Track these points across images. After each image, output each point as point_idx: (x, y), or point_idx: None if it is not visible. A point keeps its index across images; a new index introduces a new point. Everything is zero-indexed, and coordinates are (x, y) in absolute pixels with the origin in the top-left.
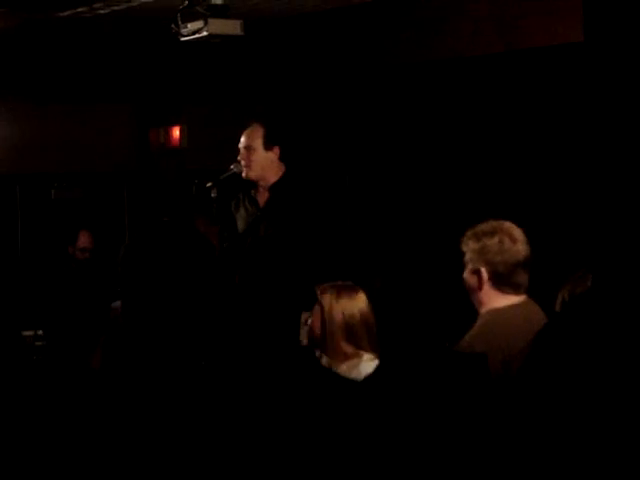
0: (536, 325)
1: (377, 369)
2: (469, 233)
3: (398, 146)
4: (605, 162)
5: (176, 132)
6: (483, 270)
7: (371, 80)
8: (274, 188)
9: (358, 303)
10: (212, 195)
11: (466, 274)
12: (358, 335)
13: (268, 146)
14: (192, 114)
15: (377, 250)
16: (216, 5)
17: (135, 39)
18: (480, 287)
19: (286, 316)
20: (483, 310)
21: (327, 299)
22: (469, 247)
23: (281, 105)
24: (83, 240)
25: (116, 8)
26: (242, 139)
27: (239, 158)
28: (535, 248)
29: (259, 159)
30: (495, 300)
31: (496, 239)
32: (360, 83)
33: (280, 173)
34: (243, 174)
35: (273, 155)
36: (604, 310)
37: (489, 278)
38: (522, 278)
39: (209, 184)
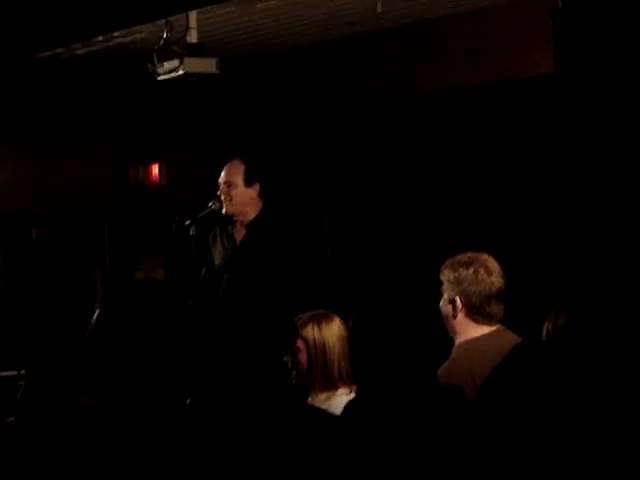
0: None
1: (353, 402)
2: (447, 263)
3: (376, 181)
4: (576, 190)
5: (155, 169)
6: (457, 299)
7: (347, 115)
8: (252, 225)
9: (339, 331)
10: (190, 233)
11: (442, 303)
12: (340, 365)
13: (249, 182)
14: (171, 151)
15: (352, 287)
16: (192, 44)
17: (113, 78)
18: (454, 316)
19: (267, 353)
20: (458, 340)
21: (310, 331)
22: (445, 277)
23: (258, 142)
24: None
25: (93, 48)
26: (222, 174)
27: (219, 193)
28: (517, 278)
29: (240, 195)
30: (469, 330)
31: (471, 270)
32: (336, 118)
33: (258, 209)
34: (223, 210)
35: (253, 191)
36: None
37: (462, 308)
38: (495, 309)
39: (187, 222)
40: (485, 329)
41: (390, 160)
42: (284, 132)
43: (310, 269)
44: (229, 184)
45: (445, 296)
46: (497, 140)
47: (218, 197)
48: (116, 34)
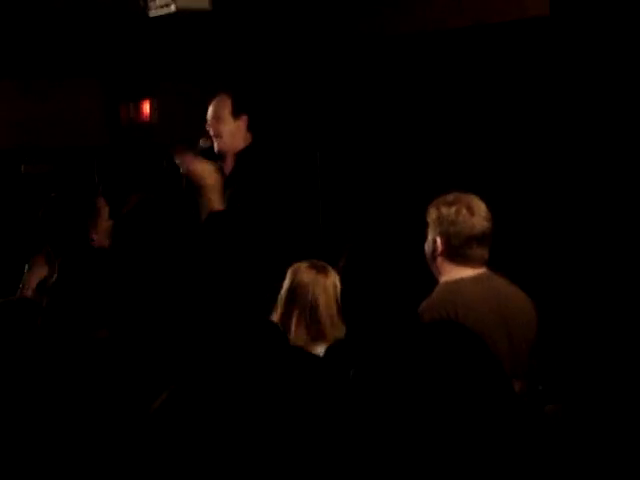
0: (494, 297)
1: (338, 343)
2: (433, 202)
3: (369, 121)
4: (571, 136)
5: (146, 107)
6: (438, 240)
7: (342, 55)
8: (240, 156)
9: (334, 280)
10: (181, 170)
11: (426, 243)
12: (334, 315)
13: (236, 115)
14: (162, 89)
15: (344, 226)
16: None
17: (105, 14)
18: (434, 257)
19: (253, 288)
20: (441, 280)
21: (307, 276)
22: (429, 216)
23: (251, 80)
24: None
25: None
26: (210, 110)
27: (207, 129)
28: (505, 223)
29: (228, 128)
30: (450, 271)
31: (453, 209)
32: (330, 57)
33: (247, 142)
34: (215, 146)
35: (241, 123)
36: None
37: (443, 248)
38: (476, 252)
39: (177, 160)
40: (468, 271)
41: (383, 100)
42: (277, 70)
43: (300, 203)
44: (217, 118)
45: (429, 236)
46: (491, 81)
47: (208, 134)
48: None
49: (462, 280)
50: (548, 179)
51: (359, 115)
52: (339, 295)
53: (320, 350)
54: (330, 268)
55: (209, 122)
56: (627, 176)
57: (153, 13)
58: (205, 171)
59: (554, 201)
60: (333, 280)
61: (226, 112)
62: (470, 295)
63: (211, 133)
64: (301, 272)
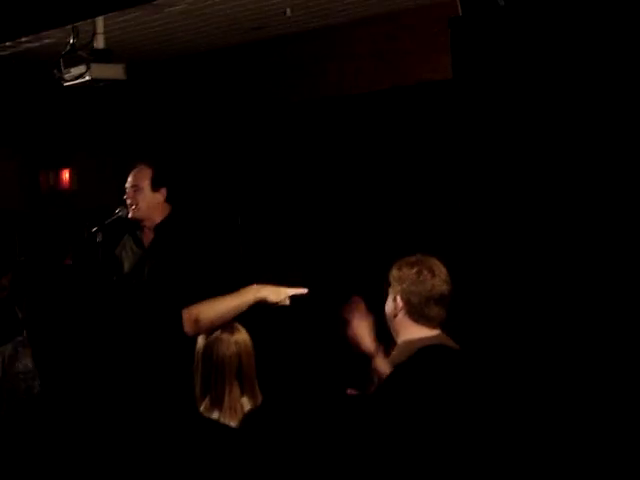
0: None
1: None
2: (396, 263)
3: (287, 183)
4: (474, 186)
5: (66, 175)
6: (398, 298)
7: (256, 120)
8: (159, 228)
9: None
10: (97, 240)
11: (387, 301)
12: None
13: (155, 187)
14: (81, 157)
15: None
16: (98, 50)
17: (22, 84)
18: (395, 315)
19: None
20: (398, 340)
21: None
22: (392, 275)
23: (167, 147)
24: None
25: (1, 53)
26: (129, 179)
27: (125, 197)
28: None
29: (146, 199)
30: (409, 330)
31: (415, 270)
32: (245, 123)
33: (165, 213)
34: (130, 214)
35: (160, 196)
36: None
37: (403, 306)
38: (434, 312)
39: (94, 229)
40: (424, 331)
41: (302, 164)
42: (193, 137)
43: (220, 272)
44: (136, 188)
45: (390, 295)
46: (405, 144)
47: (125, 203)
48: (24, 39)
49: (418, 340)
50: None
51: (278, 179)
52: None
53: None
54: (239, 327)
55: (128, 191)
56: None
57: (68, 83)
58: None
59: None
60: (244, 337)
61: (145, 183)
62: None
63: (127, 202)
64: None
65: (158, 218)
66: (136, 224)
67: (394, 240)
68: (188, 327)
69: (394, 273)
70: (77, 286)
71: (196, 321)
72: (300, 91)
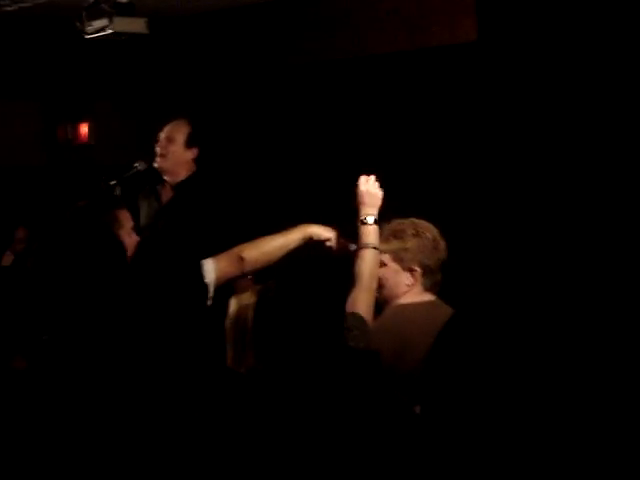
0: (443, 324)
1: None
2: (391, 230)
3: (306, 146)
4: (499, 156)
5: (84, 128)
6: (417, 268)
7: (278, 79)
8: (179, 187)
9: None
10: (116, 193)
11: (388, 271)
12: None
13: (189, 144)
14: (100, 111)
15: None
16: (121, 3)
17: (43, 36)
18: (409, 285)
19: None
20: (393, 303)
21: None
22: (397, 245)
23: (187, 102)
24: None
25: (23, 5)
26: (165, 129)
27: (156, 147)
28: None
29: (176, 153)
30: (412, 297)
31: (429, 237)
32: (267, 82)
33: (189, 173)
34: (156, 163)
35: (190, 154)
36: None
37: (421, 276)
38: (439, 277)
39: (113, 182)
40: (427, 296)
41: (318, 125)
42: (215, 95)
43: (231, 234)
44: (169, 139)
45: (395, 265)
46: (425, 107)
47: (144, 157)
48: None
49: (415, 304)
50: (475, 211)
51: (294, 138)
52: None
53: None
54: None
55: (160, 140)
56: (554, 206)
57: (90, 36)
58: None
59: (479, 232)
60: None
61: (181, 137)
62: (419, 320)
63: (157, 150)
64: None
65: (181, 176)
66: (157, 178)
67: (409, 204)
68: (233, 267)
69: (403, 243)
70: (94, 239)
71: (240, 259)
72: (320, 52)
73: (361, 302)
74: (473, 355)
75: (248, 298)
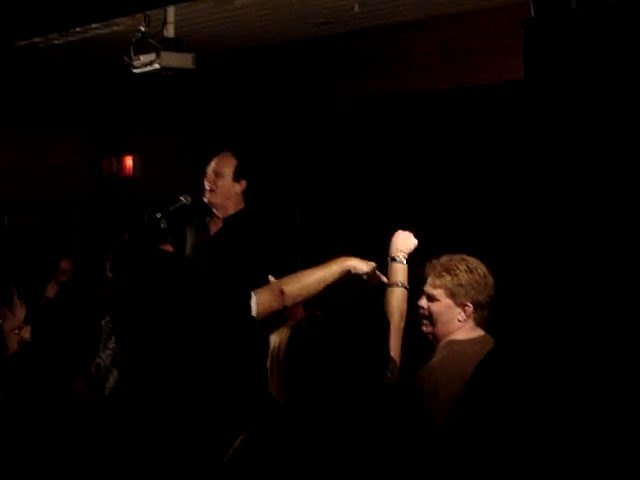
0: None
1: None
2: (443, 265)
3: (348, 181)
4: (542, 196)
5: (129, 161)
6: (470, 304)
7: (321, 115)
8: (229, 220)
9: None
10: (162, 226)
11: (441, 306)
12: None
13: (237, 178)
14: (144, 144)
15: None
16: (169, 38)
17: (91, 70)
18: (461, 320)
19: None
20: (443, 341)
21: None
22: (451, 280)
23: (232, 138)
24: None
25: (71, 39)
26: (212, 163)
27: (205, 181)
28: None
29: (225, 187)
30: (462, 333)
31: (480, 273)
32: (310, 118)
33: (239, 207)
34: (205, 198)
35: (239, 187)
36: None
37: (472, 312)
38: (486, 313)
39: (158, 215)
40: (477, 332)
41: (363, 160)
42: (258, 129)
43: (281, 266)
44: (217, 174)
45: (448, 300)
46: (470, 143)
47: (189, 191)
48: (94, 25)
49: (467, 341)
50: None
51: (339, 175)
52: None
53: None
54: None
55: (208, 175)
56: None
57: (138, 70)
58: None
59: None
60: None
61: (229, 171)
62: (473, 356)
63: (206, 185)
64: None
65: (231, 209)
66: (205, 211)
67: (448, 241)
68: (274, 301)
69: (457, 279)
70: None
71: (281, 293)
72: (365, 88)
73: (391, 342)
74: (508, 387)
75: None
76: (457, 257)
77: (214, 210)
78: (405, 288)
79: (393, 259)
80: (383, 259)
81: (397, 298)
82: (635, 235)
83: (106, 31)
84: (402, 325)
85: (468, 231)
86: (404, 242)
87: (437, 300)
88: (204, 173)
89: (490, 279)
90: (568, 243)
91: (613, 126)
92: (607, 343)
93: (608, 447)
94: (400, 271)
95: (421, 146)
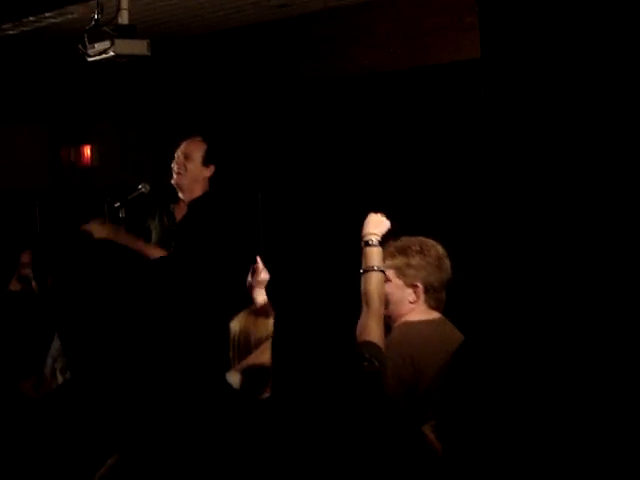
0: (450, 342)
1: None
2: (397, 247)
3: (309, 163)
4: (495, 173)
5: (87, 151)
6: (420, 285)
7: (281, 98)
8: (193, 204)
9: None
10: (120, 215)
11: (392, 287)
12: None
13: (206, 162)
14: (102, 133)
15: (283, 271)
16: (123, 25)
17: (45, 59)
18: (412, 301)
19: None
20: (399, 321)
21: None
22: (402, 261)
23: (190, 123)
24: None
25: (25, 29)
26: (182, 147)
27: (174, 164)
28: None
29: (194, 171)
30: (416, 314)
31: (433, 255)
32: (269, 101)
33: (204, 190)
34: (173, 180)
35: (207, 172)
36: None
37: (423, 293)
38: (445, 295)
39: (117, 204)
40: (432, 314)
41: (323, 142)
42: (216, 114)
43: (243, 247)
44: (187, 157)
45: (399, 281)
46: (429, 124)
47: (148, 180)
48: (47, 14)
49: (420, 322)
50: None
51: (300, 157)
52: None
53: None
54: (271, 310)
55: (177, 157)
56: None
57: (92, 58)
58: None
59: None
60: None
61: (198, 155)
62: (427, 337)
63: (174, 168)
64: (242, 318)
65: (197, 193)
66: (167, 198)
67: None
68: None
69: (407, 260)
70: (104, 262)
71: None
72: (324, 70)
73: (373, 329)
74: (488, 375)
75: (251, 317)
76: (413, 239)
77: (180, 194)
78: (381, 272)
79: (366, 243)
80: (346, 240)
81: (374, 283)
82: (590, 209)
83: (60, 20)
84: (382, 309)
85: (432, 213)
86: (376, 225)
87: (389, 280)
88: (173, 157)
89: (445, 262)
90: (525, 221)
91: (569, 100)
92: (581, 330)
93: (591, 440)
94: (375, 254)
95: (383, 127)
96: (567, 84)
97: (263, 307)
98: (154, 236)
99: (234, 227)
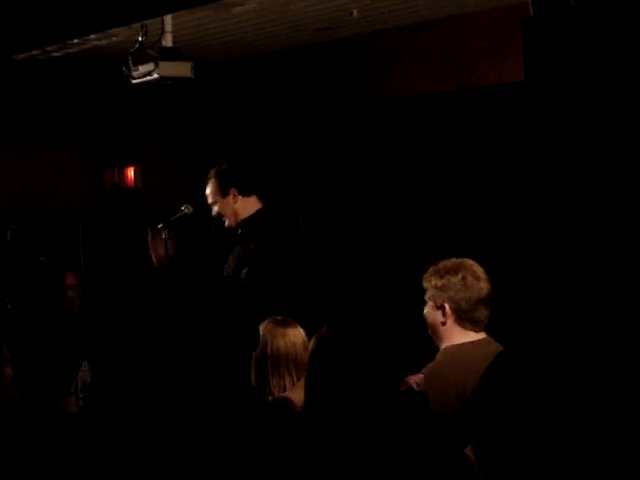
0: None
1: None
2: (431, 270)
3: (352, 185)
4: (542, 190)
5: (130, 173)
6: (447, 306)
7: (323, 120)
8: (243, 224)
9: (298, 331)
10: (163, 237)
11: (428, 310)
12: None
13: (223, 193)
14: (146, 155)
15: (326, 292)
16: (167, 48)
17: (89, 81)
18: (443, 323)
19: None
20: (442, 346)
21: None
22: (432, 284)
23: (234, 146)
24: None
25: (70, 51)
26: (206, 192)
27: (213, 214)
28: (501, 285)
29: (219, 205)
30: (456, 336)
31: (459, 276)
32: (312, 123)
33: (249, 208)
34: (226, 225)
35: (231, 198)
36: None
37: (452, 314)
38: (483, 314)
39: (160, 225)
40: (472, 335)
41: (365, 165)
42: (260, 136)
43: (288, 269)
44: (208, 196)
45: (431, 303)
46: (472, 146)
47: (191, 202)
48: (92, 37)
49: (464, 345)
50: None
51: (343, 180)
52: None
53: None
54: (292, 322)
55: (211, 208)
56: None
57: (136, 80)
58: None
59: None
60: (296, 331)
61: (213, 191)
62: (473, 361)
63: (215, 215)
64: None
65: (239, 216)
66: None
67: (453, 245)
68: None
69: (434, 282)
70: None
71: None
72: (366, 92)
73: None
74: (521, 393)
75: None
76: (448, 261)
77: (227, 223)
78: None
79: None
80: (388, 263)
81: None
82: (637, 235)
83: (104, 42)
84: None
85: (472, 235)
86: None
87: (425, 303)
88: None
89: (470, 280)
90: (572, 244)
91: (614, 125)
92: (616, 345)
93: (617, 452)
94: None
95: (424, 150)
96: (612, 110)
97: (284, 318)
98: (231, 262)
99: (278, 249)
